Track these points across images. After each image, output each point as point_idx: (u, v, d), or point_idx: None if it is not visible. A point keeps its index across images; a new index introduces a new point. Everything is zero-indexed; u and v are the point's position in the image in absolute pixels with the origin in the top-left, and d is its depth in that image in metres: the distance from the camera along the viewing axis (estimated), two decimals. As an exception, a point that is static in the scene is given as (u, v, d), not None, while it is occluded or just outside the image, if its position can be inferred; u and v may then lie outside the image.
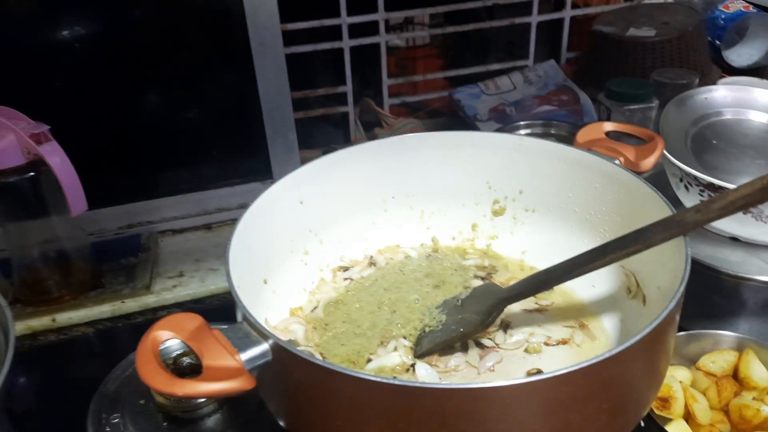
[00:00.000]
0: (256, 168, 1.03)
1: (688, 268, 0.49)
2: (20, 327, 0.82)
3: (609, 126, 0.70)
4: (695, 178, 0.74)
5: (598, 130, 0.69)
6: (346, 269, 0.74)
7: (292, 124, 1.02)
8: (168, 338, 0.46)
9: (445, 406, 0.41)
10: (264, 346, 0.46)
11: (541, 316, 0.67)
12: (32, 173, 0.79)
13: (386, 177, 0.74)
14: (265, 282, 0.66)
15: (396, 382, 0.41)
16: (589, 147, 0.68)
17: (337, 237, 0.74)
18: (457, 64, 1.33)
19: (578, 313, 0.67)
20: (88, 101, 0.96)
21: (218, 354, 0.45)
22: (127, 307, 0.86)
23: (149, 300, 0.87)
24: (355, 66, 1.21)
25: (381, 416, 0.43)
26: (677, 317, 0.50)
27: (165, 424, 0.65)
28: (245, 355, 0.46)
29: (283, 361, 0.46)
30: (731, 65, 1.31)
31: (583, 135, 0.69)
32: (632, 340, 0.42)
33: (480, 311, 0.61)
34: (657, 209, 0.58)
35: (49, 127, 0.77)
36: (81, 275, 0.89)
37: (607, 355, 0.41)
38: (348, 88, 1.23)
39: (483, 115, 1.28)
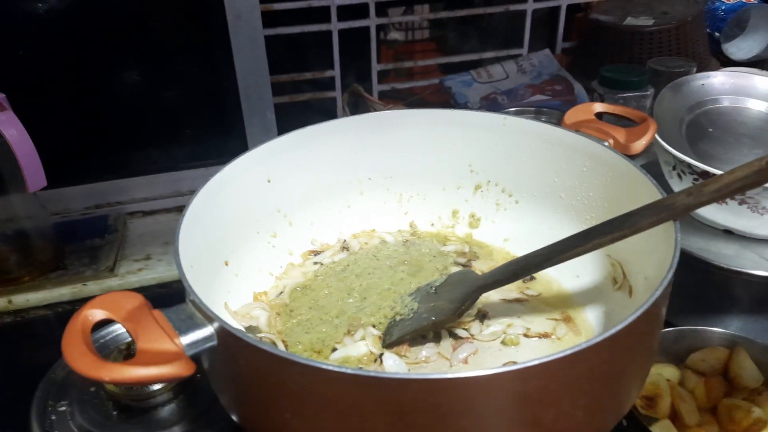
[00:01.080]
0: (232, 148, 0.97)
1: (677, 255, 0.45)
2: (-27, 308, 0.78)
3: (599, 107, 0.66)
4: (689, 165, 0.70)
5: (587, 111, 0.65)
6: (316, 253, 0.69)
7: (271, 103, 0.97)
8: (102, 318, 0.41)
9: (402, 398, 0.37)
10: (208, 330, 0.42)
11: (521, 306, 0.63)
12: (-14, 144, 0.74)
13: (362, 156, 0.70)
14: (227, 264, 0.61)
15: (347, 371, 0.37)
16: (577, 128, 0.64)
17: (308, 219, 0.70)
18: (452, 53, 1.30)
19: (561, 305, 0.62)
20: (54, 74, 0.91)
21: (155, 336, 0.41)
22: (88, 290, 0.81)
23: (112, 283, 0.82)
24: (345, 52, 1.17)
25: (332, 408, 0.39)
26: (663, 309, 0.46)
27: (115, 413, 0.60)
28: (186, 339, 0.41)
29: (229, 346, 0.42)
30: (730, 58, 1.27)
31: (571, 116, 0.65)
32: (612, 331, 0.38)
33: (454, 299, 0.56)
34: (647, 194, 0.54)
35: (4, 95, 0.72)
36: (41, 256, 0.85)
37: (584, 346, 0.37)
38: (336, 72, 1.19)
39: (474, 104, 1.24)
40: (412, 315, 0.58)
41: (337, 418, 0.39)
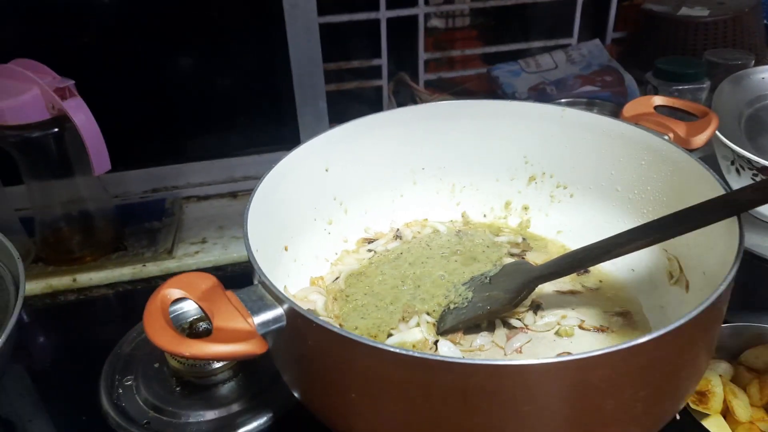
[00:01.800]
0: (285, 136, 1.00)
1: (741, 252, 0.45)
2: (40, 286, 0.82)
3: (659, 100, 0.65)
4: (748, 161, 0.69)
5: (646, 104, 0.65)
6: (370, 241, 0.71)
7: (323, 91, 0.99)
8: (178, 296, 0.44)
9: (467, 383, 0.38)
10: (278, 311, 0.44)
11: (575, 299, 0.63)
12: (56, 129, 0.77)
13: (416, 147, 0.70)
14: (286, 249, 0.63)
15: (416, 354, 0.38)
16: (636, 121, 0.63)
17: (362, 208, 0.71)
18: (497, 42, 1.29)
19: (616, 298, 0.63)
20: (117, 61, 0.95)
21: (230, 316, 0.42)
22: (147, 271, 0.84)
23: (170, 265, 0.85)
24: (392, 41, 1.17)
25: (398, 390, 0.41)
26: (725, 306, 0.46)
27: (178, 389, 0.63)
28: (258, 319, 0.43)
29: (298, 327, 0.43)
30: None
31: (630, 109, 0.64)
32: (675, 324, 0.38)
33: (509, 289, 0.57)
34: (708, 189, 0.54)
35: (73, 81, 0.75)
36: (103, 237, 0.88)
37: (644, 339, 0.37)
38: (383, 61, 1.20)
39: (522, 94, 1.23)
40: (466, 304, 0.59)
41: (401, 400, 0.41)
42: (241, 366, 0.64)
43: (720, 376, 0.65)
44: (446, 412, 0.40)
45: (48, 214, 0.85)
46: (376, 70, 1.19)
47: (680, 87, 0.95)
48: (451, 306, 0.60)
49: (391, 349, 0.39)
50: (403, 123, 0.68)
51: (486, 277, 0.61)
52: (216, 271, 0.85)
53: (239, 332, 0.42)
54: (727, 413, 0.63)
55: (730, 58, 0.98)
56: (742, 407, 0.62)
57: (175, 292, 0.43)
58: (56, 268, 0.84)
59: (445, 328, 0.59)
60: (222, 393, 0.62)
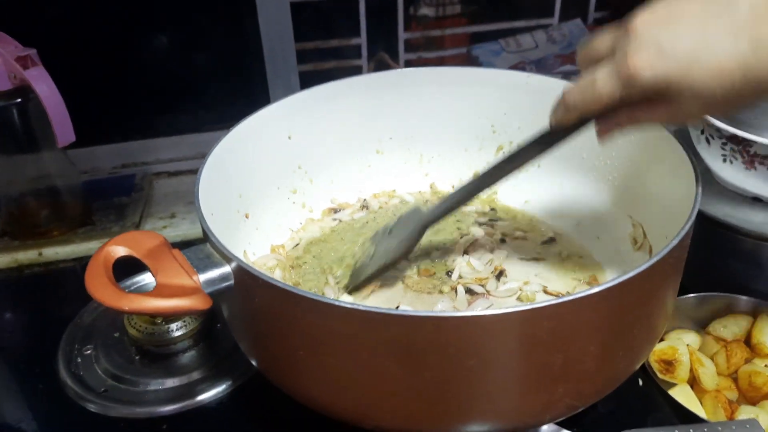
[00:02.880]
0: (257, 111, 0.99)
1: (694, 214, 0.44)
2: (6, 260, 0.80)
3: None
4: (717, 129, 0.68)
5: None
6: (336, 211, 0.70)
7: (295, 66, 0.97)
8: (123, 254, 0.43)
9: (413, 336, 0.37)
10: (226, 269, 0.43)
11: (540, 266, 0.63)
12: (19, 99, 0.76)
13: (383, 115, 0.70)
14: (247, 216, 0.62)
15: (359, 307, 0.37)
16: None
17: (328, 177, 0.70)
18: (481, 23, 1.28)
19: (580, 265, 0.62)
20: (84, 34, 0.93)
21: (174, 272, 0.42)
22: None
23: (138, 239, 0.84)
24: (372, 21, 1.16)
25: (343, 345, 0.40)
26: (678, 264, 0.45)
27: (137, 357, 0.62)
28: (204, 276, 0.42)
29: (245, 284, 0.43)
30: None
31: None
32: (620, 279, 0.37)
33: (403, 238, 0.58)
34: (671, 153, 0.53)
35: (35, 50, 0.73)
36: (71, 212, 0.87)
37: (593, 290, 0.37)
38: (362, 40, 1.18)
39: (501, 72, 1.22)
40: (369, 260, 0.59)
41: (349, 355, 0.40)
42: (201, 336, 0.63)
43: (687, 345, 0.64)
44: (393, 367, 0.39)
45: (14, 188, 0.84)
46: (355, 49, 1.18)
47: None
48: (357, 264, 0.60)
49: (336, 303, 0.38)
50: (367, 90, 0.67)
51: (388, 230, 0.61)
52: (184, 245, 0.83)
53: (183, 288, 0.41)
54: (694, 382, 0.63)
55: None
56: (708, 376, 0.62)
57: (119, 250, 0.43)
58: (22, 243, 0.83)
59: (351, 285, 0.59)
60: (182, 362, 0.62)
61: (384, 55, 1.24)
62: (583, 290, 0.37)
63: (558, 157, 0.66)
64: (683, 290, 0.74)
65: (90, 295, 0.39)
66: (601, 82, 0.41)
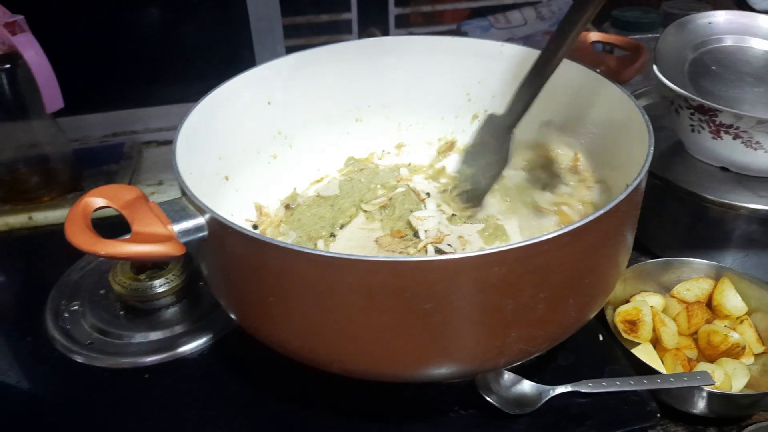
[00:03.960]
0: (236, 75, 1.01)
1: (648, 162, 0.47)
2: (-3, 223, 0.83)
3: (594, 36, 0.66)
4: (686, 100, 0.71)
5: (583, 40, 0.66)
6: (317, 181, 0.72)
7: (281, 38, 0.99)
8: (101, 205, 0.45)
9: (371, 280, 0.40)
10: (200, 220, 0.45)
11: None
12: (8, 65, 0.77)
13: (362, 82, 0.72)
14: (227, 179, 0.64)
15: (319, 253, 0.40)
16: (572, 56, 0.64)
17: (308, 144, 0.72)
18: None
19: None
20: (75, 5, 0.94)
21: (149, 221, 0.44)
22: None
23: (126, 205, 0.86)
24: None
25: (308, 290, 0.42)
26: (631, 219, 0.48)
27: (122, 313, 0.65)
28: (179, 227, 0.45)
29: (218, 235, 0.45)
30: (753, 8, 1.24)
31: (566, 44, 0.65)
32: (569, 227, 0.40)
33: (497, 150, 0.63)
34: (635, 118, 0.55)
35: (22, 16, 0.75)
36: (61, 178, 0.89)
37: (541, 238, 0.39)
38: (353, 15, 1.20)
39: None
40: (474, 178, 0.66)
41: (313, 299, 0.43)
42: (184, 293, 0.66)
43: (651, 306, 0.67)
44: (354, 311, 0.42)
45: (4, 155, 0.86)
46: (346, 24, 1.19)
47: (636, 36, 0.96)
48: (458, 188, 0.67)
49: (299, 249, 0.40)
50: (346, 58, 0.69)
51: (474, 147, 0.66)
52: (171, 211, 0.86)
53: (157, 236, 0.43)
54: (656, 342, 0.65)
55: (687, 9, 0.99)
56: (669, 335, 0.65)
57: (98, 201, 0.45)
58: (13, 207, 0.85)
59: (471, 201, 0.66)
60: (165, 317, 0.64)
61: (374, 30, 1.26)
62: (531, 238, 0.39)
63: (531, 123, 0.69)
64: (652, 255, 0.77)
65: (68, 241, 0.41)
66: None
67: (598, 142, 0.62)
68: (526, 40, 1.25)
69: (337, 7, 1.19)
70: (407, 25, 1.30)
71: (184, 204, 0.46)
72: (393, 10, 1.25)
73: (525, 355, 0.47)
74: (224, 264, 0.47)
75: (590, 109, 0.62)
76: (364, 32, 1.26)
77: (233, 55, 1.03)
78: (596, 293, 0.48)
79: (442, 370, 0.45)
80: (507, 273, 0.40)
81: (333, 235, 0.64)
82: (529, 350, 0.46)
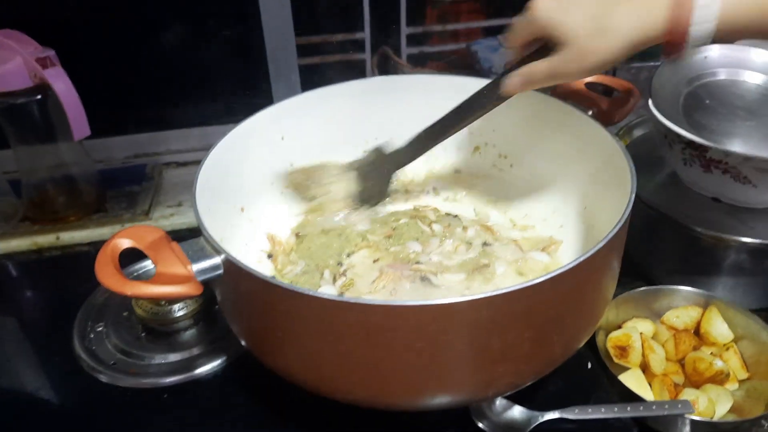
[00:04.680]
0: (260, 107, 1.05)
1: (626, 217, 0.50)
2: (26, 242, 0.88)
3: (588, 78, 0.70)
4: (677, 135, 0.74)
5: (577, 82, 0.70)
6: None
7: (295, 64, 1.03)
8: (128, 246, 0.50)
9: (368, 320, 0.44)
10: (216, 260, 0.50)
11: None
12: (39, 96, 0.83)
13: (368, 118, 0.76)
14: (242, 210, 0.69)
15: (324, 296, 0.44)
16: (566, 97, 0.68)
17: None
18: (494, 14, 1.31)
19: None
20: (100, 34, 0.99)
21: (171, 262, 0.49)
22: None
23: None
24: (378, 14, 1.20)
25: (312, 328, 0.47)
26: (611, 261, 0.51)
27: (143, 335, 0.70)
28: (197, 266, 0.49)
29: (233, 273, 0.49)
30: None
31: (563, 85, 0.69)
32: (549, 275, 0.44)
33: (379, 182, 0.70)
34: (617, 158, 0.59)
35: (54, 51, 0.80)
36: (86, 199, 0.94)
37: (524, 285, 0.43)
38: (366, 34, 1.23)
39: (499, 69, 1.27)
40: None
41: (317, 336, 0.47)
42: (201, 316, 0.70)
43: (641, 333, 0.71)
44: (354, 347, 0.46)
45: (34, 176, 0.92)
46: (359, 43, 1.23)
47: (637, 65, 0.99)
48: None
49: (304, 292, 0.45)
50: (353, 95, 0.73)
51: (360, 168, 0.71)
52: (189, 232, 0.91)
53: (178, 277, 0.48)
54: (645, 367, 0.69)
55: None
56: (657, 361, 0.68)
57: (124, 242, 0.50)
58: (41, 227, 0.90)
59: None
60: (183, 339, 0.69)
61: (387, 49, 1.30)
62: (515, 284, 0.43)
63: (527, 158, 0.73)
64: (647, 280, 0.80)
65: (99, 282, 0.46)
66: (518, 24, 0.56)
67: (584, 180, 0.66)
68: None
69: (351, 27, 1.23)
70: (419, 44, 1.34)
71: (203, 244, 0.51)
72: (405, 30, 1.28)
73: (513, 388, 0.51)
74: (237, 299, 0.52)
75: (582, 151, 0.66)
76: (377, 51, 1.29)
77: (249, 78, 1.07)
78: (579, 330, 0.52)
79: (435, 401, 0.50)
80: (493, 316, 0.44)
81: (340, 264, 0.68)
82: (516, 383, 0.50)
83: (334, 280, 0.65)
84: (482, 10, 1.36)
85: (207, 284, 0.50)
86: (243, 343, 0.56)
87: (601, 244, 0.47)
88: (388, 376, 0.47)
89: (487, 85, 0.61)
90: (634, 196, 0.53)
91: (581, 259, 0.45)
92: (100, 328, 0.71)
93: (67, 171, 0.92)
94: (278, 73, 1.04)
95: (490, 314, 0.44)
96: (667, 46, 0.52)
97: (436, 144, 0.67)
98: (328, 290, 0.64)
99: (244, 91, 1.08)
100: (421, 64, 1.32)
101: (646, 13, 0.50)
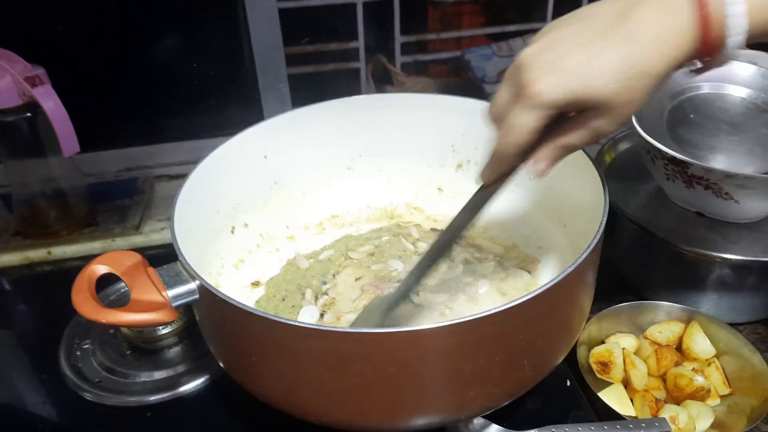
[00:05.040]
0: (250, 119, 1.04)
1: (597, 237, 0.51)
2: (18, 257, 0.89)
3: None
4: (659, 151, 0.74)
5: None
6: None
7: (285, 77, 1.04)
8: (104, 272, 0.51)
9: (339, 347, 0.45)
10: (191, 285, 0.51)
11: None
12: (28, 114, 0.84)
13: (354, 135, 0.76)
14: (233, 231, 0.70)
15: (294, 323, 0.45)
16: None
17: (302, 192, 0.77)
18: (494, 22, 1.31)
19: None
20: (89, 49, 1.00)
21: (147, 289, 0.49)
22: (116, 245, 0.91)
23: (137, 240, 0.92)
24: (373, 22, 1.20)
25: (285, 353, 0.47)
26: (581, 286, 0.52)
27: (129, 352, 0.71)
28: (173, 292, 0.50)
29: (208, 299, 0.50)
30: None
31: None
32: (512, 303, 0.44)
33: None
34: (593, 177, 0.59)
35: (43, 69, 0.81)
36: (77, 213, 0.95)
37: (490, 312, 0.44)
38: (360, 44, 1.23)
39: (491, 77, 1.28)
40: None
41: (290, 361, 0.48)
42: (185, 334, 0.71)
43: (624, 348, 0.71)
44: (327, 372, 0.47)
45: (24, 191, 0.92)
46: (354, 52, 1.24)
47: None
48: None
49: (276, 319, 0.46)
50: (337, 113, 0.74)
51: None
52: (179, 246, 0.92)
53: (153, 303, 0.49)
54: (627, 382, 0.69)
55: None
56: (638, 376, 0.69)
57: (101, 268, 0.50)
58: (33, 242, 0.91)
59: None
60: (168, 356, 0.70)
61: (381, 57, 1.30)
62: (481, 312, 0.44)
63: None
64: (634, 293, 0.80)
65: (75, 308, 0.47)
66: (518, 119, 0.45)
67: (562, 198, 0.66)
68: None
69: (345, 36, 1.23)
70: (412, 52, 1.34)
71: (179, 269, 0.51)
72: (399, 38, 1.28)
73: (486, 410, 0.52)
74: (213, 323, 0.53)
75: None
76: (371, 60, 1.30)
77: (239, 91, 1.08)
78: (552, 352, 0.52)
79: (410, 423, 0.50)
80: (461, 342, 0.45)
81: (325, 283, 0.69)
82: (489, 405, 0.51)
83: (316, 299, 0.65)
84: (477, 17, 1.37)
85: (186, 307, 0.51)
86: (220, 363, 0.57)
87: (570, 269, 0.47)
88: (362, 401, 0.48)
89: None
90: (606, 217, 0.53)
91: (544, 288, 0.46)
92: (87, 345, 0.72)
93: (57, 185, 0.93)
94: (268, 84, 1.05)
95: (457, 340, 0.45)
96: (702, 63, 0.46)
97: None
98: (309, 310, 0.64)
99: (234, 103, 1.08)
100: (415, 72, 1.33)
101: (671, 36, 0.42)
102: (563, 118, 0.47)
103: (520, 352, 0.48)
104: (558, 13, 1.30)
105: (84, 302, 0.47)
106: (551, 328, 0.50)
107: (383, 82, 1.30)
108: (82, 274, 0.50)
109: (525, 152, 0.48)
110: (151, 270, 0.51)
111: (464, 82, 1.31)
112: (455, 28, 1.33)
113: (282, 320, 0.45)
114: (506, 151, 0.48)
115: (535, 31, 1.29)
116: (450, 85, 1.34)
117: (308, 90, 1.14)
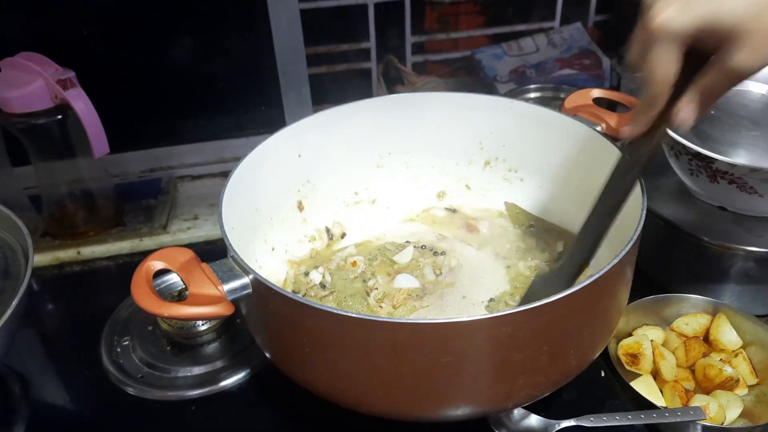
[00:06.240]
0: (271, 119, 1.08)
1: (635, 237, 0.52)
2: (48, 258, 0.90)
3: (596, 93, 0.72)
4: (684, 146, 0.76)
5: (585, 97, 0.72)
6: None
7: (306, 78, 1.06)
8: (161, 268, 0.52)
9: (395, 338, 0.46)
10: (245, 280, 0.52)
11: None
12: (59, 116, 0.85)
13: (383, 133, 0.77)
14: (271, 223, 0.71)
15: (351, 315, 0.46)
16: (575, 112, 0.70)
17: (334, 189, 0.78)
18: (496, 22, 1.32)
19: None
20: (116, 51, 1.02)
21: (203, 283, 0.51)
22: (144, 245, 0.92)
23: (165, 239, 0.93)
24: (383, 22, 1.22)
25: (340, 344, 0.49)
26: (622, 278, 0.53)
27: (168, 348, 0.72)
28: (227, 286, 0.51)
29: (261, 293, 0.51)
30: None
31: (571, 101, 0.71)
32: (564, 293, 0.46)
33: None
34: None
35: (74, 73, 0.82)
36: (104, 213, 0.96)
37: (542, 302, 0.45)
38: (371, 44, 1.25)
39: (503, 77, 1.29)
40: None
41: (344, 352, 0.49)
42: (223, 329, 0.73)
43: (652, 340, 0.73)
44: (381, 362, 0.48)
45: (54, 192, 0.94)
46: (365, 53, 1.25)
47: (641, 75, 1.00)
48: None
49: (332, 311, 0.47)
50: (368, 112, 0.75)
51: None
52: (206, 245, 0.93)
53: (210, 297, 0.50)
54: (656, 373, 0.71)
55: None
56: (668, 368, 0.70)
57: (157, 264, 0.52)
58: (62, 242, 0.93)
59: None
60: (207, 352, 0.71)
61: (392, 58, 1.32)
62: (534, 302, 0.45)
63: (538, 172, 0.75)
64: (657, 287, 0.82)
65: (136, 303, 0.48)
66: (653, 57, 0.43)
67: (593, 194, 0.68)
68: (537, 68, 1.30)
69: (357, 37, 1.25)
70: (423, 52, 1.36)
71: (231, 264, 0.53)
72: (410, 39, 1.30)
73: (531, 399, 0.53)
74: (265, 316, 0.54)
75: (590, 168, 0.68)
76: (382, 60, 1.31)
77: (261, 93, 1.09)
78: (594, 343, 0.54)
79: (458, 412, 0.52)
80: (513, 332, 0.46)
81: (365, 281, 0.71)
82: (534, 394, 0.52)
83: (367, 294, 0.67)
84: (486, 17, 1.38)
85: (236, 304, 0.52)
86: (268, 356, 0.58)
87: (616, 260, 0.49)
88: (414, 390, 0.49)
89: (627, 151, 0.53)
90: (645, 212, 0.55)
91: (591, 280, 0.47)
92: (126, 342, 0.73)
93: (85, 186, 0.95)
94: (289, 86, 1.06)
95: (510, 330, 0.46)
96: None
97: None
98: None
99: (256, 105, 1.10)
100: (425, 72, 1.35)
101: None
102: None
103: (566, 342, 0.50)
104: (565, 11, 1.32)
105: (145, 297, 0.48)
106: (595, 319, 0.52)
107: (394, 82, 1.32)
108: (139, 270, 0.51)
109: (672, 96, 0.47)
110: (204, 265, 0.53)
111: (476, 81, 1.32)
112: (464, 29, 1.35)
113: (339, 312, 0.47)
114: (652, 92, 0.47)
115: (544, 30, 1.30)
116: (461, 84, 1.35)
117: (321, 91, 1.16)
